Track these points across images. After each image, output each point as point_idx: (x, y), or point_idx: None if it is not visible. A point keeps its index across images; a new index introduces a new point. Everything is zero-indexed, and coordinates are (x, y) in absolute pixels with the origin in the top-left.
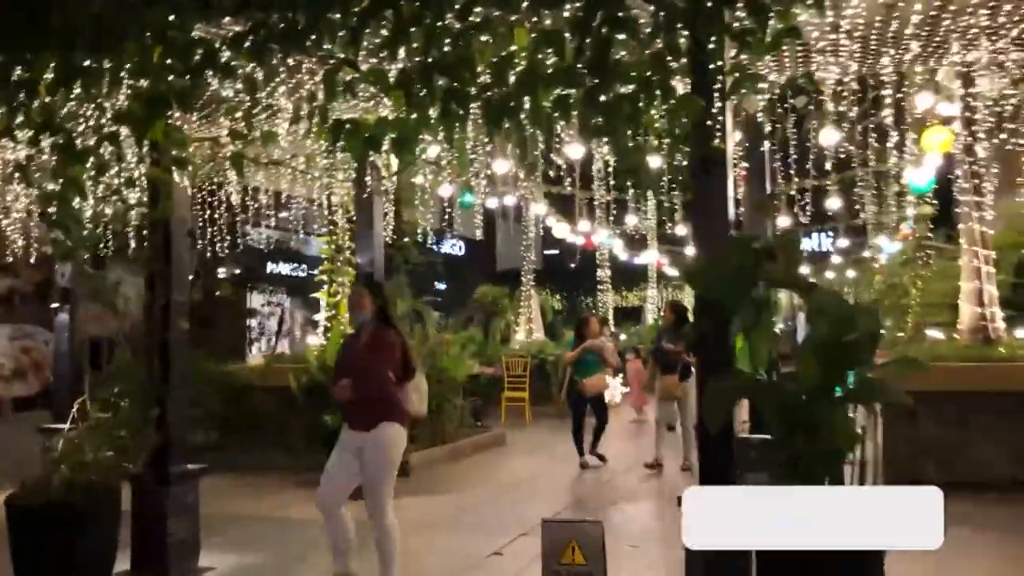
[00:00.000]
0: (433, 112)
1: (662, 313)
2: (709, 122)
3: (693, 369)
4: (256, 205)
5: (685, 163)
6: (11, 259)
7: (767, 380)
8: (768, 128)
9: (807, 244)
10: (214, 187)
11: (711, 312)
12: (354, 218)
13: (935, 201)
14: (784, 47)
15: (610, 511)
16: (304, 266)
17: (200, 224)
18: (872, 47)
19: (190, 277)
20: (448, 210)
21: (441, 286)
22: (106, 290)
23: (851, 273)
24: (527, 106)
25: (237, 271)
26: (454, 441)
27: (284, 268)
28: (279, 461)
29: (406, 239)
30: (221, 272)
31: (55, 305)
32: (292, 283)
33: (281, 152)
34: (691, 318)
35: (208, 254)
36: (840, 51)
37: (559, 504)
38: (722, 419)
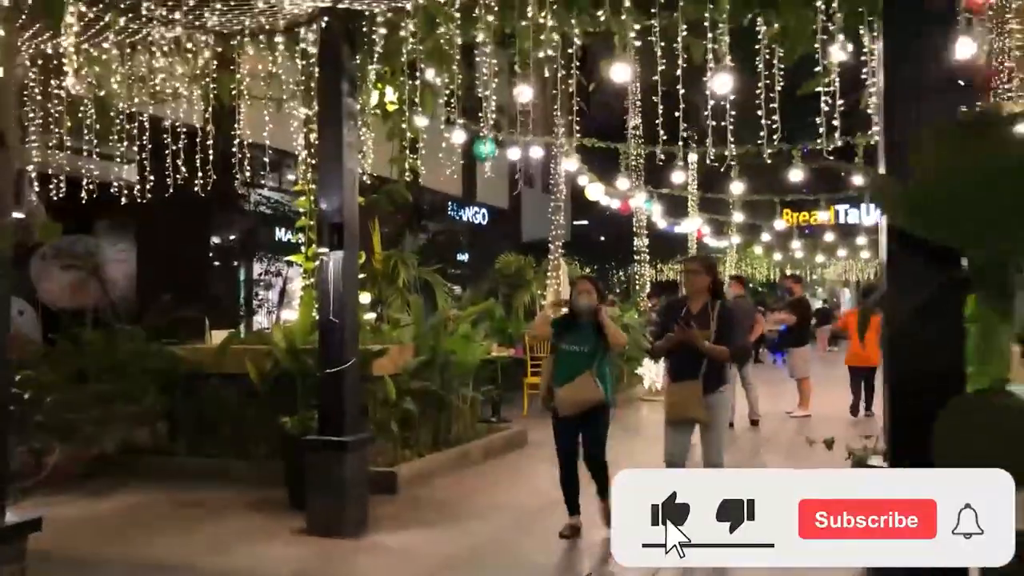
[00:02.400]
0: None
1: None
2: None
3: (732, 372)
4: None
5: None
6: None
7: None
8: None
9: (846, 215)
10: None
11: (936, 267)
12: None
13: None
14: None
15: None
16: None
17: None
18: None
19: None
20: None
21: (463, 257)
22: (83, 255)
23: None
24: None
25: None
26: (460, 443)
27: (290, 234)
28: (235, 470)
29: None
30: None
31: None
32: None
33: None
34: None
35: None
36: None
37: (594, 550)
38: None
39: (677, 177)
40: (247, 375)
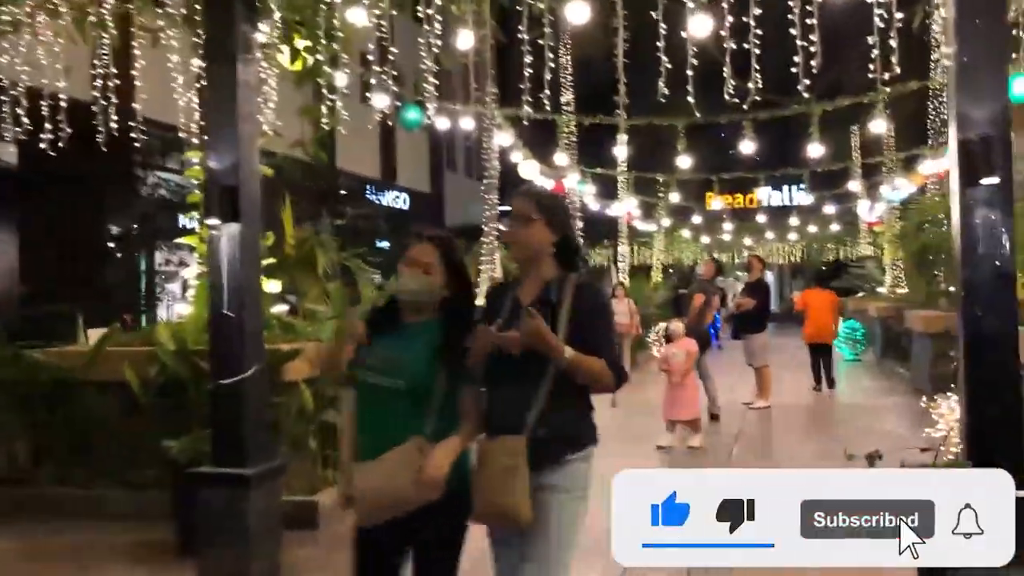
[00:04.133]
0: None
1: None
2: None
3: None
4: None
5: None
6: None
7: None
8: None
9: (770, 197)
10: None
11: None
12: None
13: None
14: None
15: None
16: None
17: None
18: None
19: None
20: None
21: (383, 244)
22: None
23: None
24: None
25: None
26: None
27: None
28: (113, 503)
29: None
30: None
31: None
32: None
33: None
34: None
35: None
36: None
37: None
38: None
39: (615, 153)
40: (128, 383)
